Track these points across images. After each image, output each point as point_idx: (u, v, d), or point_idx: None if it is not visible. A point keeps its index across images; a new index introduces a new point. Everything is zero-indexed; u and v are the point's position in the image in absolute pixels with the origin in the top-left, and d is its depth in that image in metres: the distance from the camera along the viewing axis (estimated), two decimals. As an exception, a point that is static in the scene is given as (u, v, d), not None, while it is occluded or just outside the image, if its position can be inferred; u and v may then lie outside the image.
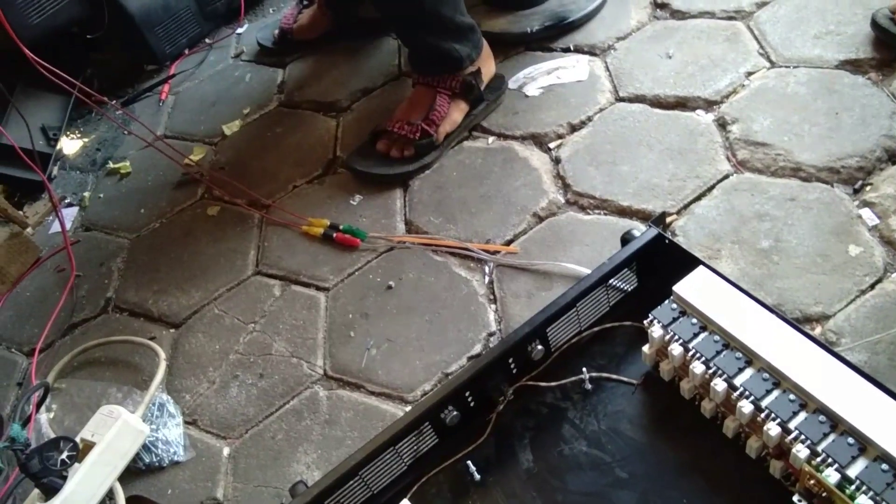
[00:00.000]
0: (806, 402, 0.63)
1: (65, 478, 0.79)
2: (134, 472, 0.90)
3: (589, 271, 0.80)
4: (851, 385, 0.62)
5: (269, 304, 1.05)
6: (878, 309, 0.78)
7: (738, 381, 0.65)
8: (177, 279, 1.15)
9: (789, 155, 0.96)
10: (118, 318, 1.13)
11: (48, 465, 0.78)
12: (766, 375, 0.65)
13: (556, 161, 1.10)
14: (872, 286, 0.80)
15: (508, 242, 1.01)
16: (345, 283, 1.04)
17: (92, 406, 0.98)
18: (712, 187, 0.97)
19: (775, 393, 0.64)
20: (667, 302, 0.73)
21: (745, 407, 0.64)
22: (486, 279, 0.98)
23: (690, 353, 0.69)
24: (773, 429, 0.62)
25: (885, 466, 0.57)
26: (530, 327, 0.75)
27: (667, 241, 0.79)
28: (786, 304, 0.81)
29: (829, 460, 0.59)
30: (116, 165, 1.44)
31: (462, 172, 1.14)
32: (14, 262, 1.26)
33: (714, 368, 0.67)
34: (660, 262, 0.79)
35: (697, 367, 0.68)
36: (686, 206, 0.96)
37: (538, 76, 1.24)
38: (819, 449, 0.59)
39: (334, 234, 1.09)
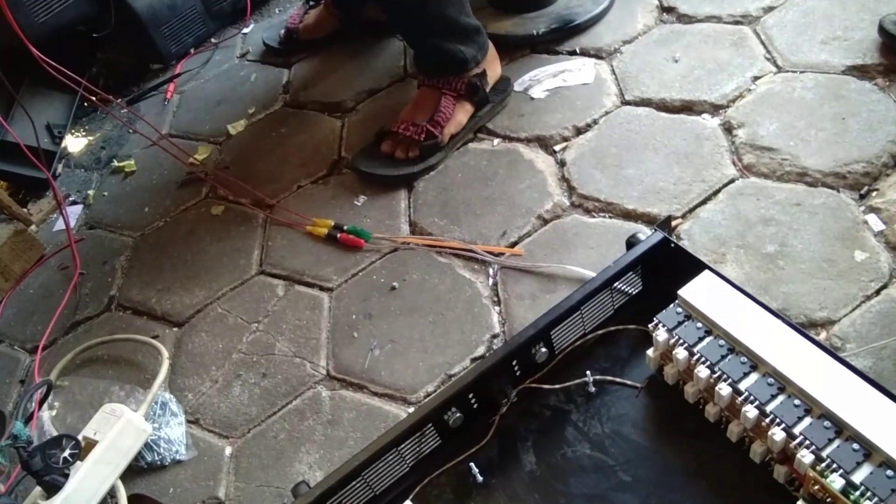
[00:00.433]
0: (811, 407, 0.62)
1: (67, 476, 0.79)
2: (136, 470, 0.90)
3: (594, 274, 0.80)
4: (856, 390, 0.62)
5: (273, 304, 1.05)
6: (884, 314, 0.78)
7: (742, 386, 0.65)
8: (180, 278, 1.15)
9: (795, 160, 0.96)
10: (121, 317, 1.13)
11: (50, 462, 0.78)
12: (770, 380, 0.65)
13: (562, 164, 1.09)
14: (878, 292, 0.80)
15: (513, 244, 1.01)
16: (348, 284, 1.04)
17: (94, 404, 0.98)
18: (718, 191, 0.97)
19: (780, 398, 0.64)
20: (672, 306, 0.73)
21: (750, 412, 0.64)
22: (491, 281, 0.98)
23: (695, 358, 0.69)
24: (777, 434, 0.62)
25: (889, 472, 0.57)
26: (534, 330, 0.75)
27: (672, 245, 0.79)
28: (791, 308, 0.81)
29: (834, 466, 0.58)
30: (121, 164, 1.44)
31: (467, 174, 1.14)
32: (18, 260, 1.27)
33: (719, 373, 0.67)
34: (665, 266, 0.79)
35: (702, 372, 0.68)
36: (691, 210, 0.96)
37: (544, 79, 1.24)
38: (824, 454, 0.59)
39: (338, 235, 1.09)
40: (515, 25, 1.32)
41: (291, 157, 1.30)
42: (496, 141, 1.18)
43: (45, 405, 0.99)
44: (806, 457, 0.60)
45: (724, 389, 0.66)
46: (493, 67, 1.20)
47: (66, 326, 1.14)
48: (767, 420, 0.63)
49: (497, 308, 0.94)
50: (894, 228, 0.85)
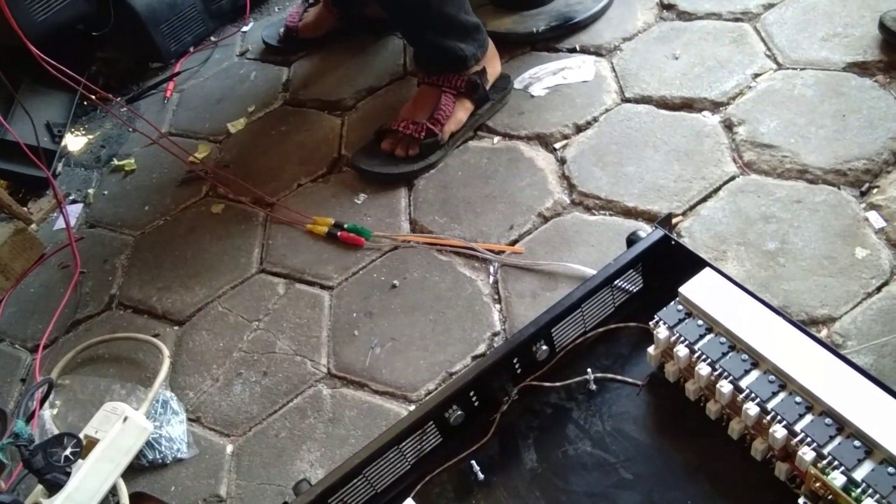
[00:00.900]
0: (812, 404, 0.62)
1: (68, 474, 0.80)
2: (137, 468, 0.90)
3: (594, 272, 0.80)
4: (858, 388, 0.62)
5: (274, 303, 1.05)
6: (885, 312, 0.78)
7: (744, 383, 0.65)
8: (181, 276, 1.15)
9: (796, 157, 0.96)
10: (122, 315, 1.13)
11: (52, 461, 0.78)
12: (772, 377, 0.65)
13: (562, 161, 1.09)
14: (879, 289, 0.80)
15: (513, 242, 1.01)
16: (349, 282, 1.04)
17: (96, 403, 0.98)
18: (718, 189, 0.97)
19: (781, 395, 0.64)
20: (672, 303, 0.73)
21: (751, 409, 0.64)
22: (491, 279, 0.98)
23: (696, 355, 0.69)
24: (778, 431, 0.62)
25: (891, 469, 0.57)
26: (535, 327, 0.75)
27: (673, 243, 0.79)
28: (792, 306, 0.81)
29: (836, 463, 0.58)
30: (121, 162, 1.44)
31: (467, 172, 1.13)
32: (18, 259, 1.27)
33: (720, 370, 0.67)
34: (665, 264, 0.79)
35: (703, 369, 0.68)
36: (692, 208, 0.96)
37: (544, 76, 1.24)
38: (825, 451, 0.59)
39: (339, 233, 1.09)
40: (515, 23, 1.32)
41: (291, 155, 1.30)
42: (496, 139, 1.17)
43: (47, 404, 0.99)
44: (807, 454, 0.60)
45: (725, 387, 0.66)
46: (493, 65, 1.20)
47: (66, 325, 1.14)
48: (768, 417, 0.63)
49: (498, 306, 0.94)
50: (895, 225, 0.85)
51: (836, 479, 0.58)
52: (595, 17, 1.30)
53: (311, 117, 1.37)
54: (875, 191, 0.90)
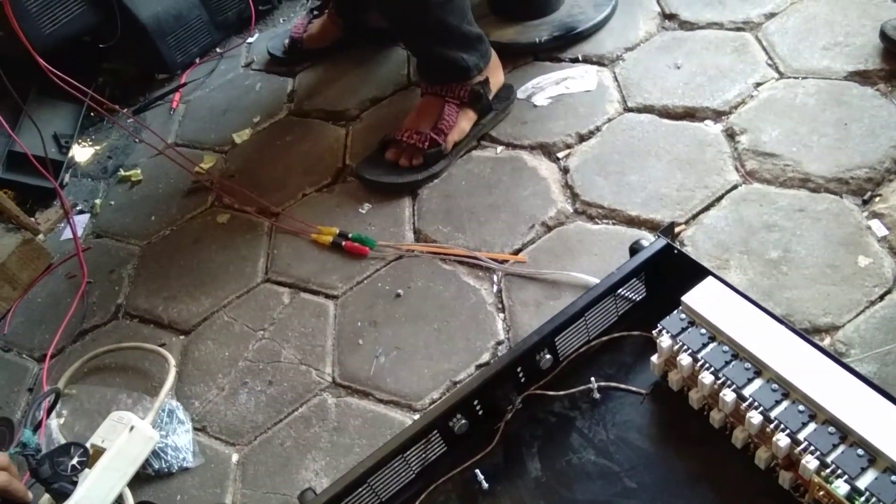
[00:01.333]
0: (815, 413, 0.63)
1: (75, 483, 0.80)
2: (143, 478, 0.91)
3: (597, 281, 0.80)
4: (861, 396, 0.62)
5: (279, 312, 1.06)
6: (888, 320, 0.78)
7: (747, 392, 0.65)
8: (187, 286, 1.16)
9: (798, 166, 0.96)
10: (128, 325, 1.14)
11: (59, 470, 0.78)
12: (775, 386, 0.65)
13: (565, 171, 1.10)
14: (882, 297, 0.80)
15: (517, 251, 1.01)
16: (353, 291, 1.05)
17: (102, 412, 0.98)
18: (721, 198, 0.97)
19: (784, 404, 0.64)
20: (675, 312, 0.73)
21: (755, 418, 0.64)
22: (495, 288, 0.98)
23: (699, 364, 0.69)
24: (782, 440, 0.62)
25: (894, 478, 0.57)
26: (539, 336, 0.75)
27: (675, 252, 0.79)
28: (795, 314, 0.81)
29: (839, 472, 0.59)
30: (127, 173, 1.45)
31: (471, 181, 1.14)
32: (26, 269, 1.28)
33: (723, 379, 0.67)
34: (668, 273, 0.80)
35: (706, 378, 0.68)
36: (694, 217, 0.96)
37: (546, 86, 1.24)
38: (828, 460, 0.59)
39: (343, 243, 1.10)
40: (518, 33, 1.33)
41: (296, 165, 1.31)
42: (500, 148, 1.18)
43: (54, 413, 1.00)
44: (811, 462, 0.60)
45: (728, 395, 0.66)
46: (495, 75, 1.21)
47: (73, 335, 1.15)
48: (772, 426, 0.63)
49: (501, 315, 0.95)
50: (897, 234, 0.85)
51: (840, 487, 0.58)
52: (597, 27, 1.31)
53: (315, 128, 1.38)
54: (877, 199, 0.90)
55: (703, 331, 0.71)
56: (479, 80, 1.16)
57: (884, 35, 1.05)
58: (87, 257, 1.28)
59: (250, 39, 1.74)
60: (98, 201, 1.43)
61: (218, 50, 1.75)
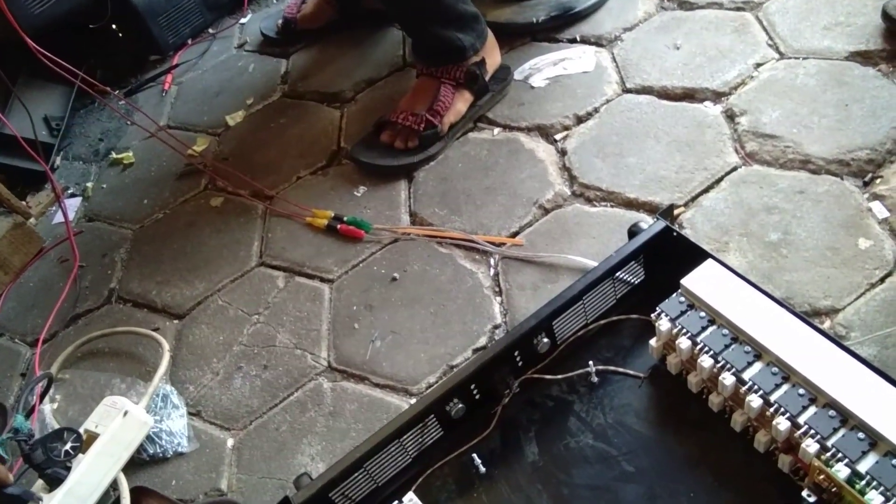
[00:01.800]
0: (815, 396, 0.62)
1: (68, 469, 0.79)
2: (138, 463, 0.90)
3: (595, 264, 0.80)
4: (861, 379, 0.61)
5: (273, 296, 1.05)
6: (889, 303, 0.77)
7: (746, 375, 0.65)
8: (180, 270, 1.15)
9: (798, 147, 0.95)
10: (121, 309, 1.13)
11: (52, 456, 0.78)
12: (774, 369, 0.65)
13: (563, 153, 1.09)
14: (882, 280, 0.80)
15: (514, 234, 1.00)
16: (349, 275, 1.04)
17: (96, 397, 0.97)
18: (720, 179, 0.96)
19: (784, 387, 0.64)
20: (674, 295, 0.72)
21: (754, 401, 0.63)
22: (492, 271, 0.97)
23: (698, 347, 0.69)
24: (782, 423, 0.61)
25: (895, 461, 0.57)
26: (536, 320, 0.75)
27: (674, 234, 0.78)
28: (795, 297, 0.81)
29: (839, 455, 0.58)
30: (119, 156, 1.44)
31: (467, 164, 1.13)
32: (17, 253, 1.26)
33: (722, 362, 0.67)
34: (667, 255, 0.79)
35: (705, 361, 0.67)
36: (694, 199, 0.95)
37: (544, 67, 1.23)
38: (829, 444, 0.59)
39: (338, 226, 1.09)
40: (515, 13, 1.31)
41: (290, 147, 1.29)
42: (496, 130, 1.17)
43: (47, 398, 0.99)
44: (811, 446, 0.59)
45: (727, 379, 0.65)
46: (492, 56, 1.19)
47: (66, 319, 1.14)
48: (771, 409, 0.63)
49: (498, 298, 0.94)
50: (898, 216, 0.84)
51: (840, 471, 0.58)
52: (595, 7, 1.29)
53: (309, 109, 1.36)
54: (878, 181, 0.89)
55: (703, 314, 0.70)
56: (475, 61, 1.14)
57: (885, 15, 1.03)
58: (79, 241, 1.26)
59: (243, 20, 1.72)
60: (90, 184, 1.41)
61: (210, 31, 1.73)
